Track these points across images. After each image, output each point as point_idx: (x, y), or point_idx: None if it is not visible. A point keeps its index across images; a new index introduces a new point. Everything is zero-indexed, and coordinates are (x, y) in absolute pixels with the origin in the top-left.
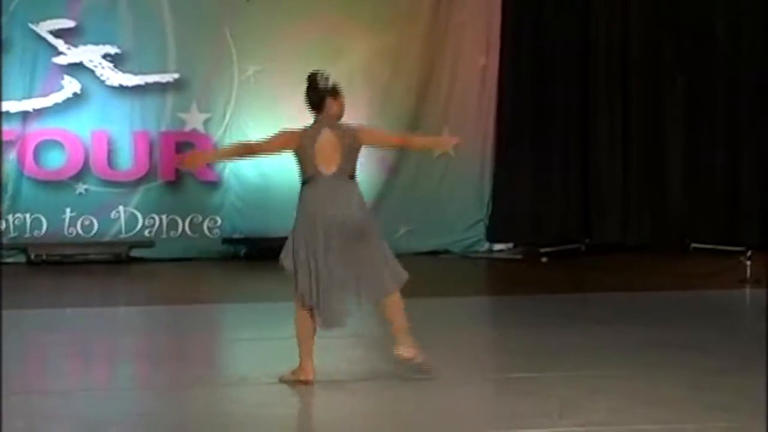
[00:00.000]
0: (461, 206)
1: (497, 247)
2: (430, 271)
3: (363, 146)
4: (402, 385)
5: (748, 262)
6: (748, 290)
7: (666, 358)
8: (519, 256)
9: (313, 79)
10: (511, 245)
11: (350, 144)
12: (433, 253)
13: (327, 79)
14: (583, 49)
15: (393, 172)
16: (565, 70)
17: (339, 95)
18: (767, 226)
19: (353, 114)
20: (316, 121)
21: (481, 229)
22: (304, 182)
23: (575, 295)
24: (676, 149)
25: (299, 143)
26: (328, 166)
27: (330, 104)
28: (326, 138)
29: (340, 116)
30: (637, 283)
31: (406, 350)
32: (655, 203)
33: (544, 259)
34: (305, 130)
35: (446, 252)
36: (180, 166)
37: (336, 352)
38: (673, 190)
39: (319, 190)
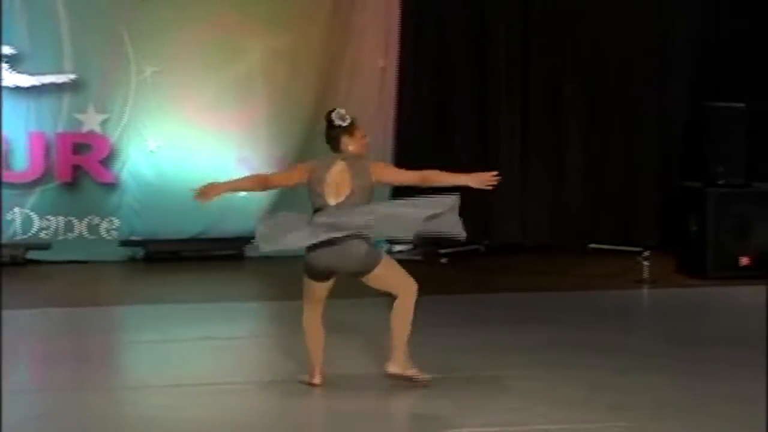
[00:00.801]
0: None
1: (397, 248)
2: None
3: (379, 183)
4: (303, 388)
5: (646, 263)
6: (645, 290)
7: (566, 358)
8: (418, 258)
9: (329, 118)
10: (410, 246)
11: (361, 181)
12: None
13: (342, 117)
14: (482, 49)
15: None
16: (464, 71)
17: (355, 132)
18: (665, 226)
19: (252, 114)
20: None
21: None
22: (314, 213)
23: (475, 296)
24: (575, 150)
25: (311, 176)
26: (335, 198)
27: (346, 142)
28: (338, 170)
29: (359, 153)
30: (536, 283)
31: (393, 366)
32: (553, 204)
33: (443, 260)
34: (319, 161)
35: None
36: (195, 198)
37: (237, 353)
38: (572, 191)
39: None
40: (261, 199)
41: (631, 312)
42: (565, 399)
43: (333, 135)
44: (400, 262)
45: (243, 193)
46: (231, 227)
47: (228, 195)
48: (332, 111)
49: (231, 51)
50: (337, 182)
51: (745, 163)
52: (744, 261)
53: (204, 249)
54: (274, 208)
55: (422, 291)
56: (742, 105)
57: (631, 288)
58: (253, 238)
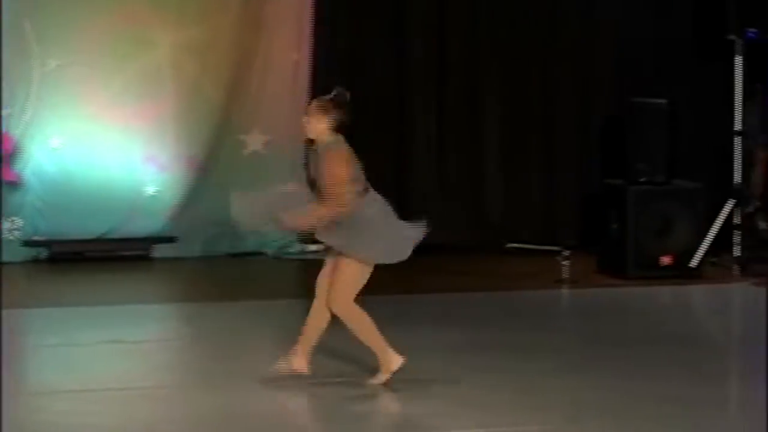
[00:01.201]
0: None
1: (311, 247)
2: (243, 274)
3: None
4: (212, 391)
5: (566, 263)
6: (565, 291)
7: (489, 359)
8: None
9: (343, 98)
10: (323, 246)
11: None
12: (246, 254)
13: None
14: (398, 43)
15: (203, 172)
16: (379, 67)
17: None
18: (586, 225)
19: (160, 110)
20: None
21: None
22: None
23: (395, 297)
24: (493, 149)
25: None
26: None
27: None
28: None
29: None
30: (456, 284)
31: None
32: (472, 204)
33: None
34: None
35: (259, 253)
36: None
37: (145, 356)
38: (491, 190)
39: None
40: (170, 197)
41: (552, 312)
42: (486, 401)
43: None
44: (313, 261)
45: (151, 191)
46: (138, 227)
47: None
48: (339, 89)
49: (139, 44)
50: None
51: (668, 160)
52: (665, 260)
53: (110, 249)
54: (186, 206)
55: None
56: (664, 101)
57: (551, 288)
58: (159, 238)
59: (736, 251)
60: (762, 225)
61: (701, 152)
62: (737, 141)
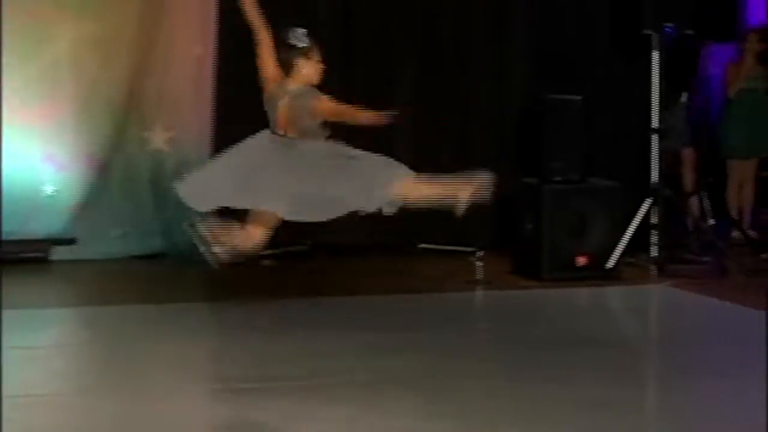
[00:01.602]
0: (179, 205)
1: (216, 249)
2: (147, 276)
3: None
4: (110, 397)
5: (479, 263)
6: (479, 292)
7: (402, 362)
8: (240, 259)
9: (284, 37)
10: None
11: (307, 122)
12: (150, 256)
13: (300, 37)
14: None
15: (103, 170)
16: None
17: (312, 56)
18: (499, 225)
19: (59, 107)
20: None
21: (197, 231)
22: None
23: (300, 300)
24: (404, 145)
25: (268, 93)
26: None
27: (300, 66)
28: (282, 106)
29: (310, 81)
30: (365, 285)
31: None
32: None
33: (266, 262)
34: (276, 86)
35: (164, 255)
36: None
37: (44, 363)
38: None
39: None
40: (69, 197)
41: (466, 315)
42: (397, 407)
43: (287, 57)
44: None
45: (50, 191)
46: (36, 228)
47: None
48: (288, 30)
49: (36, 39)
50: (281, 119)
51: (583, 158)
52: (581, 261)
53: (6, 252)
54: (86, 206)
55: (244, 294)
56: (579, 98)
57: (464, 290)
58: (59, 240)
59: (654, 251)
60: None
61: (618, 150)
62: (654, 139)
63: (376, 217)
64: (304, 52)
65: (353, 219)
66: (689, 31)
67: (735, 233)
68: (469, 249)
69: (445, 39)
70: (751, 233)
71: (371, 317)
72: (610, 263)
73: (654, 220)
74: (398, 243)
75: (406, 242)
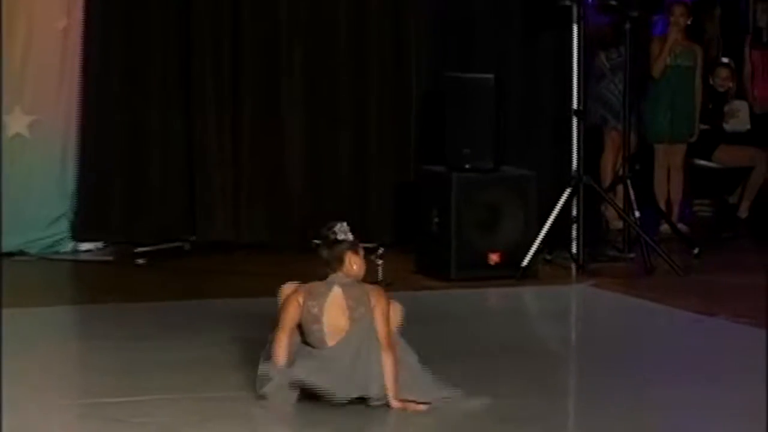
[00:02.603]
0: (40, 199)
1: (84, 246)
2: (3, 277)
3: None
4: None
5: (380, 262)
6: None
7: None
8: (110, 258)
9: (330, 233)
10: (100, 244)
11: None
12: (7, 255)
13: (346, 230)
14: (184, 8)
15: None
16: (162, 35)
17: (359, 249)
18: (402, 219)
19: None
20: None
21: (64, 226)
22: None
23: (178, 303)
24: (296, 133)
25: (304, 309)
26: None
27: (351, 262)
28: (336, 298)
29: (359, 276)
30: (251, 286)
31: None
32: (272, 195)
33: (140, 261)
34: (312, 287)
35: (21, 253)
36: None
37: None
38: (293, 180)
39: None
40: None
41: None
42: (284, 422)
43: (338, 253)
44: (87, 262)
45: None
46: None
47: None
48: (331, 225)
49: None
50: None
51: (495, 144)
52: (493, 258)
53: None
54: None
55: (114, 297)
56: (490, 77)
57: None
58: None
59: (574, 247)
60: (609, 214)
61: (535, 135)
62: (575, 122)
63: (265, 213)
64: (352, 247)
65: (239, 212)
66: (612, 2)
67: (663, 227)
68: (369, 245)
69: (336, 15)
70: (681, 227)
71: (257, 322)
72: (526, 261)
73: (574, 212)
74: (290, 240)
75: (299, 239)
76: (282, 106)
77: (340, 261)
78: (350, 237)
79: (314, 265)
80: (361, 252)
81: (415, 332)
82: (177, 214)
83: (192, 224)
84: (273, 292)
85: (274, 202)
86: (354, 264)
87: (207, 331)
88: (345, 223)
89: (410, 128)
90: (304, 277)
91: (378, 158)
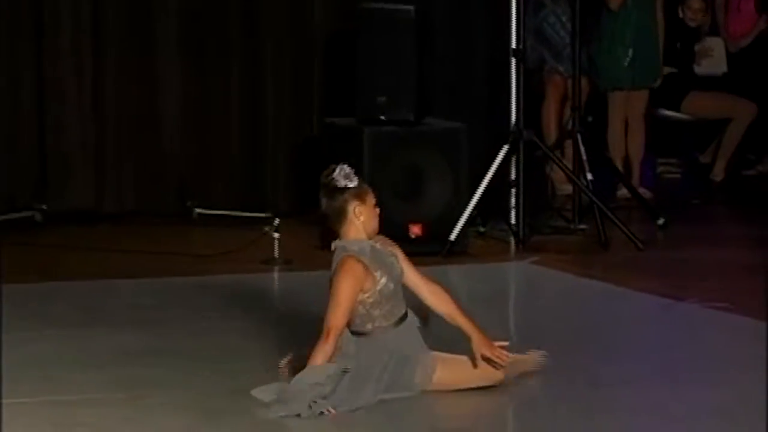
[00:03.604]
0: None
1: None
2: None
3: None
4: None
5: (276, 235)
6: (276, 274)
7: (162, 371)
8: None
9: (329, 179)
10: None
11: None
12: None
13: (348, 175)
14: None
15: None
16: None
17: (367, 197)
18: (303, 184)
19: None
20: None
21: None
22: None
23: (27, 286)
24: (172, 80)
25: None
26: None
27: (358, 213)
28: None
29: (374, 230)
30: (118, 266)
31: None
32: (144, 158)
33: None
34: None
35: None
36: None
37: None
38: (171, 137)
39: None
40: None
41: (256, 306)
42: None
43: (338, 204)
44: None
45: None
46: None
47: None
48: (330, 170)
49: None
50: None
51: (418, 91)
52: (414, 231)
53: None
54: None
55: None
56: (411, 8)
57: (256, 271)
58: None
59: (513, 217)
60: (555, 177)
61: (465, 80)
62: (514, 64)
63: (135, 176)
64: (358, 194)
65: (101, 175)
66: None
67: (621, 191)
68: (263, 215)
69: None
70: (643, 192)
71: (126, 311)
72: (454, 234)
73: (513, 174)
74: (167, 209)
75: (178, 208)
76: (156, 47)
77: (343, 214)
78: (354, 182)
79: (193, 239)
80: (371, 199)
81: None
82: (25, 178)
83: (43, 190)
84: (144, 272)
85: (144, 162)
86: (360, 215)
87: (63, 319)
88: (347, 165)
89: (313, 73)
90: (180, 255)
91: (274, 109)
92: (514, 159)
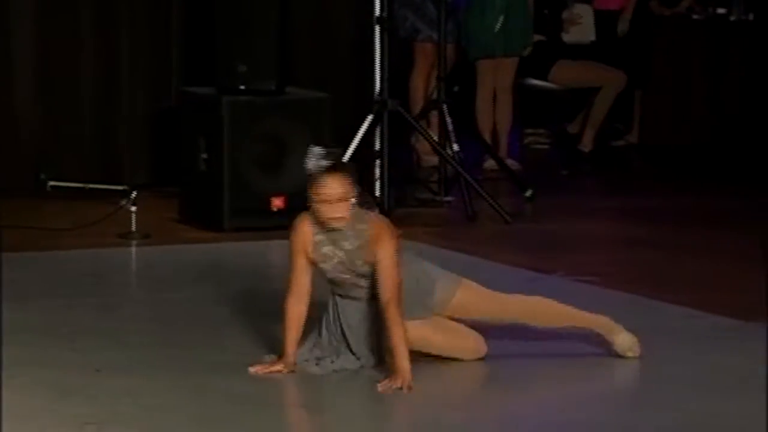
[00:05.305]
0: None
1: None
2: None
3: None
4: None
5: (133, 208)
6: (133, 249)
7: (20, 351)
8: None
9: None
10: None
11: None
12: None
13: (321, 154)
14: None
15: None
16: None
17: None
18: (161, 155)
19: None
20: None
21: None
22: None
23: None
24: (22, 46)
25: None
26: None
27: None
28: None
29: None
30: None
31: None
32: None
33: None
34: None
35: None
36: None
37: None
38: (19, 108)
39: None
40: None
41: (113, 283)
42: (24, 409)
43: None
44: None
45: None
46: None
47: None
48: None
49: None
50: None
51: (279, 59)
52: (277, 203)
53: None
54: None
55: None
56: None
57: (112, 245)
58: None
59: (377, 189)
60: (421, 148)
61: (329, 48)
62: (378, 32)
63: None
64: (317, 177)
65: None
66: None
67: (488, 163)
68: (119, 188)
69: None
70: (511, 163)
71: None
72: None
73: (378, 145)
74: (17, 180)
75: (28, 179)
76: (9, 7)
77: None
78: (321, 164)
79: (45, 213)
80: (340, 179)
81: (179, 297)
82: None
83: None
84: None
85: None
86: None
87: None
88: (318, 148)
89: (171, 39)
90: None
91: (129, 77)
92: (378, 129)
